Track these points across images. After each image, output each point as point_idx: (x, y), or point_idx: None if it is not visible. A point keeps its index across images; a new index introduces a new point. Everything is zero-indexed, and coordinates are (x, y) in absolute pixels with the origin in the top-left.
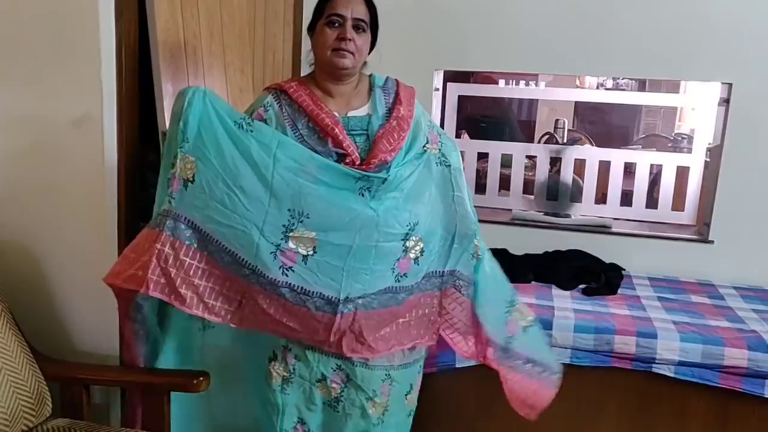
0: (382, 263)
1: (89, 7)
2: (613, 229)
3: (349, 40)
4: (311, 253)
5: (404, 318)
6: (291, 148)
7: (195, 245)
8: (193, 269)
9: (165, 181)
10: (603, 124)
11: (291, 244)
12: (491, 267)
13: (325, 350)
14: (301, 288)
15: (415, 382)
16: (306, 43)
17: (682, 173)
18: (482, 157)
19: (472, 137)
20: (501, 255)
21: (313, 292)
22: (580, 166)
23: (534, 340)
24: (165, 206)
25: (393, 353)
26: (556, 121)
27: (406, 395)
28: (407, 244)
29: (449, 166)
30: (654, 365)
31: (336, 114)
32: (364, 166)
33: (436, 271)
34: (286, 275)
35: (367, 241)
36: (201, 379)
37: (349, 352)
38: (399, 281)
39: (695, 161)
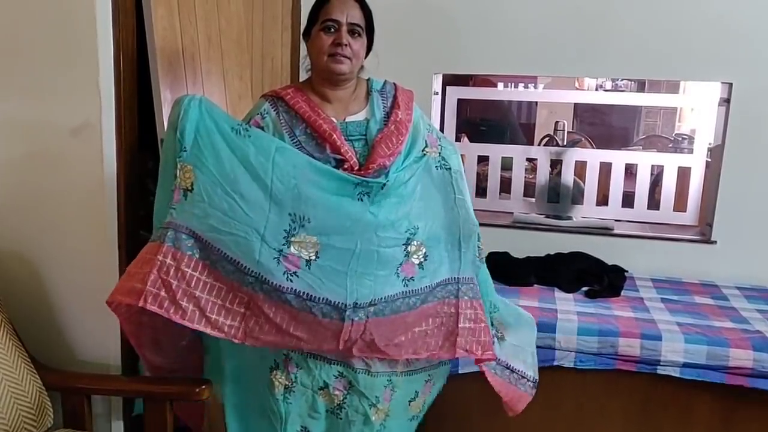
0: (385, 268)
1: (87, 15)
2: (615, 231)
3: (345, 45)
4: (314, 258)
5: (420, 327)
6: (289, 154)
7: (197, 255)
8: (195, 281)
9: (166, 192)
10: (603, 126)
11: (293, 249)
12: (486, 272)
13: (326, 357)
14: (307, 294)
15: (422, 389)
16: (305, 48)
17: (684, 174)
18: (482, 160)
19: (471, 140)
20: (503, 258)
21: (319, 297)
22: (580, 167)
23: (511, 348)
24: (168, 218)
25: (397, 360)
26: (556, 123)
27: (409, 401)
28: (408, 249)
29: (449, 169)
30: (659, 367)
31: (334, 119)
32: (362, 172)
33: (451, 278)
34: (291, 281)
35: (368, 245)
36: (203, 387)
37: (358, 353)
38: (407, 285)
39: (696, 161)
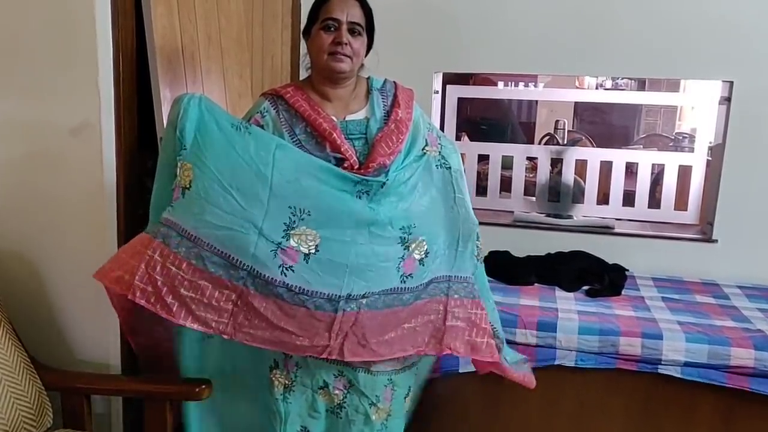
0: (388, 261)
1: (86, 15)
2: (616, 230)
3: (345, 44)
4: (313, 251)
5: (410, 323)
6: (290, 151)
7: (182, 254)
8: (179, 279)
9: (164, 190)
10: (603, 125)
11: (292, 242)
12: (483, 273)
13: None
14: (301, 288)
15: (413, 384)
16: (305, 46)
17: (685, 172)
18: (483, 159)
19: (472, 139)
20: (503, 257)
21: (314, 291)
22: (581, 166)
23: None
24: (165, 215)
25: (396, 358)
26: (556, 122)
27: (405, 398)
28: (408, 244)
29: (449, 168)
30: (660, 366)
31: (334, 118)
32: (362, 170)
33: (443, 276)
34: (285, 275)
35: (367, 239)
36: (203, 387)
37: (350, 356)
38: (404, 282)
39: (697, 160)
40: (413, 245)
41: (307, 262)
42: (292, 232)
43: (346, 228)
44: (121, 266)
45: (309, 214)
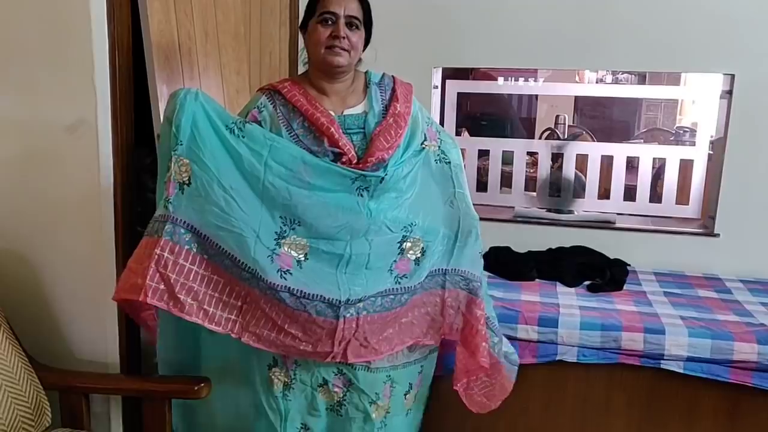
0: (377, 267)
1: (81, 10)
2: (617, 225)
3: (343, 37)
4: (303, 258)
5: (407, 317)
6: (283, 153)
7: (194, 249)
8: (193, 274)
9: (162, 186)
10: (604, 119)
11: (284, 249)
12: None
13: None
14: (301, 291)
15: (415, 382)
16: (302, 41)
17: (686, 166)
18: (483, 154)
19: (472, 135)
20: (504, 253)
21: (314, 295)
22: (582, 161)
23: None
24: (161, 211)
25: (396, 354)
26: (557, 116)
27: (405, 394)
28: (404, 245)
29: (449, 163)
30: (662, 361)
31: (332, 113)
32: (360, 165)
33: (439, 270)
34: (285, 278)
35: (360, 249)
36: (202, 385)
37: (354, 359)
38: (399, 282)
39: (698, 154)
40: (408, 245)
41: (300, 268)
42: (282, 240)
43: (338, 239)
44: (132, 275)
45: (299, 224)
